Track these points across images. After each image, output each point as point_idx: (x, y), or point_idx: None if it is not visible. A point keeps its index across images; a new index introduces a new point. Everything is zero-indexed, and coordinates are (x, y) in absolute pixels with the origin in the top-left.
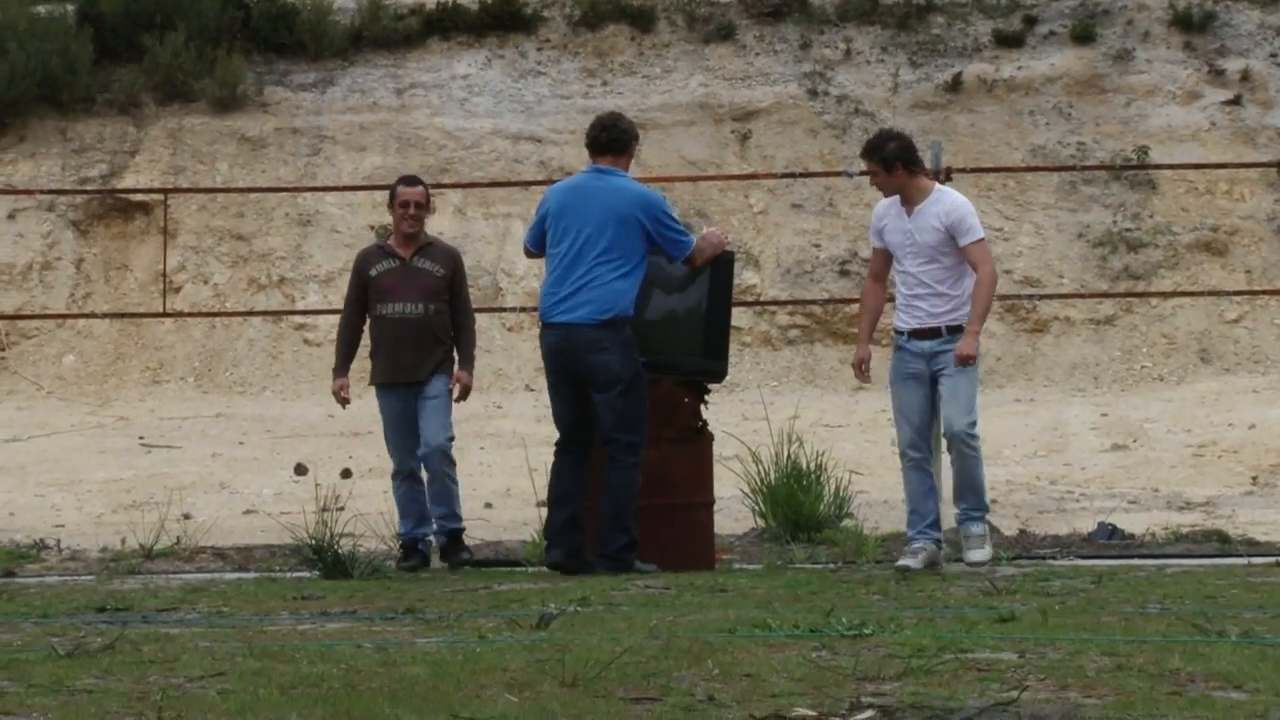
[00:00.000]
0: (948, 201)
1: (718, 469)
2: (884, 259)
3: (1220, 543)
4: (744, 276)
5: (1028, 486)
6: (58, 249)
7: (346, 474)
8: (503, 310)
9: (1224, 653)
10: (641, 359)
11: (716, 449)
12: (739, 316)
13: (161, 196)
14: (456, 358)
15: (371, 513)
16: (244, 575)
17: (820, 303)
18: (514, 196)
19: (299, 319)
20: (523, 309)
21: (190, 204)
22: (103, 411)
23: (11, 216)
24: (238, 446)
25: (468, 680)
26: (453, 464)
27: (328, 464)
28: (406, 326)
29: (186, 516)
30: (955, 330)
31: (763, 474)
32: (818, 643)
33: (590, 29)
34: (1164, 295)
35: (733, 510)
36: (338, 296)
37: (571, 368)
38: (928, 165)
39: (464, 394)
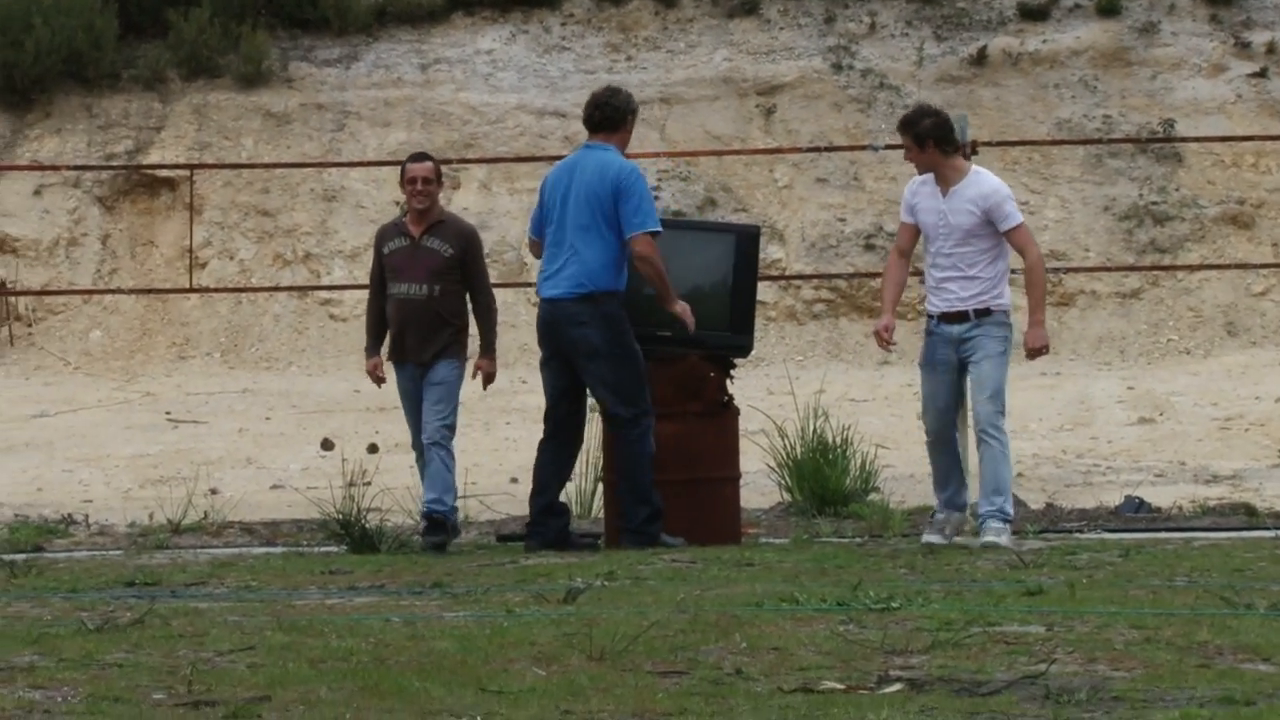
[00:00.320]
0: (985, 185)
1: (743, 443)
2: (912, 235)
3: (1248, 515)
4: (769, 251)
5: (1054, 460)
6: (84, 225)
7: (373, 449)
8: (528, 285)
9: (1252, 625)
10: (665, 333)
11: (742, 423)
12: (764, 291)
13: (187, 172)
14: (479, 343)
15: (398, 487)
16: (271, 550)
17: (845, 277)
18: (538, 172)
19: (324, 294)
20: None
21: (216, 180)
22: (129, 387)
23: (38, 193)
24: (264, 422)
25: (495, 654)
26: (449, 453)
27: (354, 439)
28: (411, 307)
29: (214, 491)
30: (983, 314)
31: (788, 448)
32: (845, 616)
33: (614, 4)
34: (1190, 268)
35: (759, 485)
36: (363, 272)
37: (556, 342)
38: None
39: (487, 381)
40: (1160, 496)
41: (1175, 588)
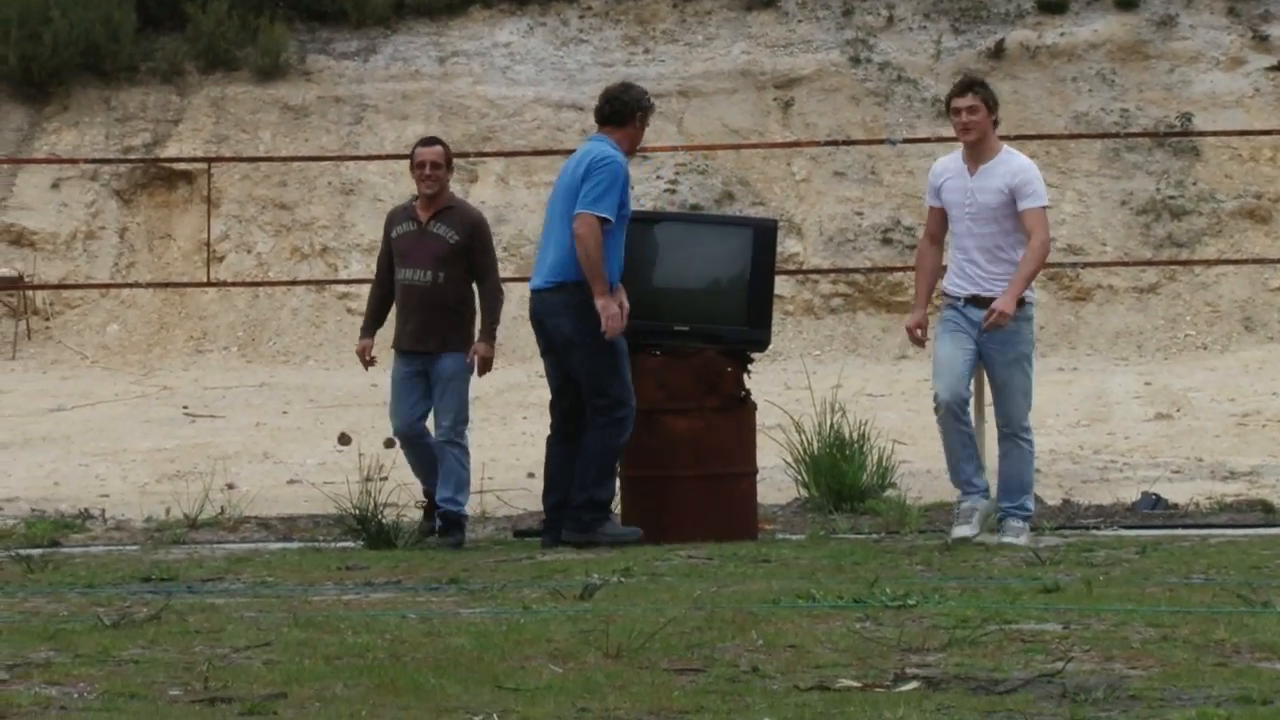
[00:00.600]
0: (1015, 163)
1: (760, 438)
2: (940, 219)
3: (1265, 512)
4: (786, 245)
5: (1071, 456)
6: (101, 218)
7: (390, 444)
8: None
9: (1269, 623)
10: (682, 327)
11: (759, 418)
12: (781, 285)
13: (205, 166)
14: (480, 328)
15: (415, 482)
16: (288, 545)
17: (863, 271)
18: (556, 165)
19: (342, 288)
20: None
21: (233, 173)
22: (146, 381)
23: (55, 186)
24: (281, 416)
25: (512, 651)
26: (464, 450)
27: (371, 434)
28: (415, 293)
29: (230, 486)
30: (1018, 304)
31: (805, 443)
32: (862, 614)
33: None
34: (1207, 263)
35: (775, 480)
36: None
37: (541, 333)
38: None
39: (483, 367)
40: (1177, 493)
41: (1192, 585)
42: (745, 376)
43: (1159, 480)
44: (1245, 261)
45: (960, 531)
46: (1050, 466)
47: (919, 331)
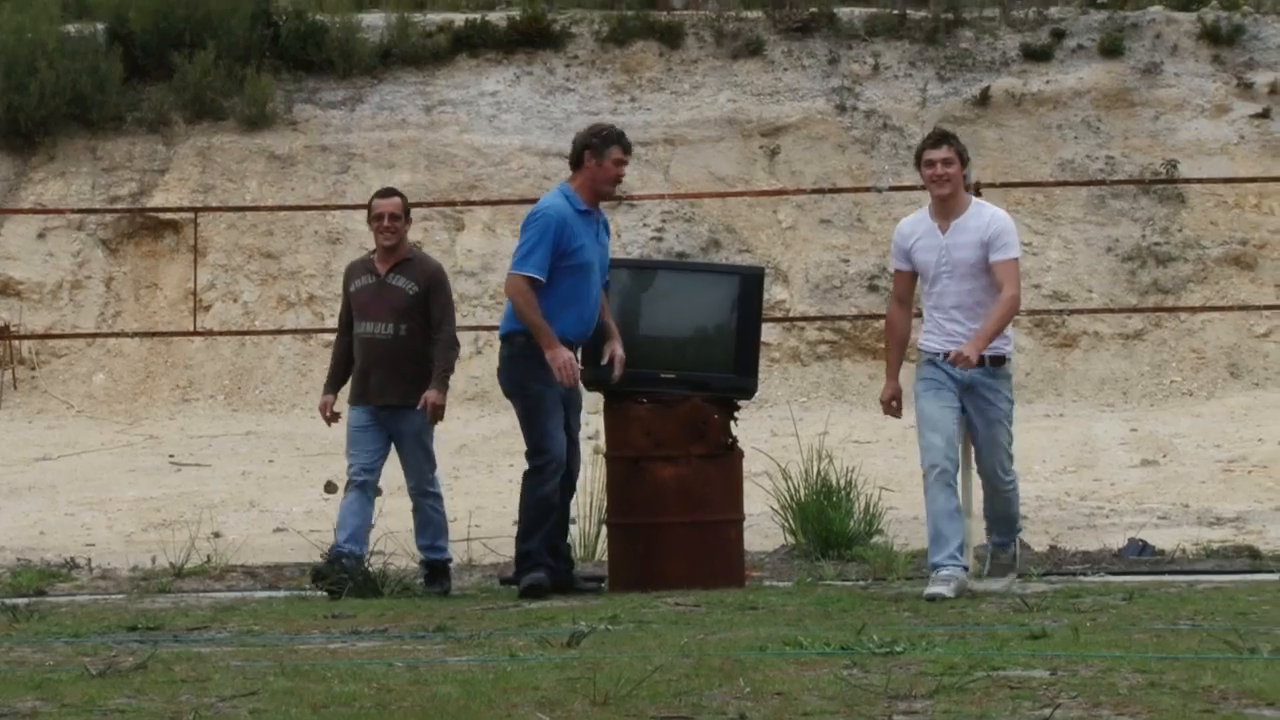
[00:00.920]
0: (988, 214)
1: (747, 485)
2: (910, 282)
3: (1251, 558)
4: (773, 292)
5: (1057, 502)
6: (88, 268)
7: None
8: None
9: (1257, 669)
10: (669, 375)
11: (746, 465)
12: (768, 332)
13: (191, 215)
14: (433, 375)
15: (401, 530)
16: (275, 594)
17: (849, 318)
18: None
19: (328, 337)
20: None
21: (220, 222)
22: (133, 430)
23: (42, 235)
24: (268, 464)
25: (499, 699)
26: (437, 497)
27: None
28: (375, 347)
29: (217, 535)
30: (997, 362)
31: (792, 490)
32: (849, 660)
33: (618, 45)
34: (1193, 310)
35: (762, 527)
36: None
37: None
38: None
39: (434, 415)
40: (1164, 539)
41: (1179, 631)
42: (732, 424)
43: (1145, 526)
44: (1231, 308)
45: (936, 589)
46: (1037, 513)
47: (894, 404)
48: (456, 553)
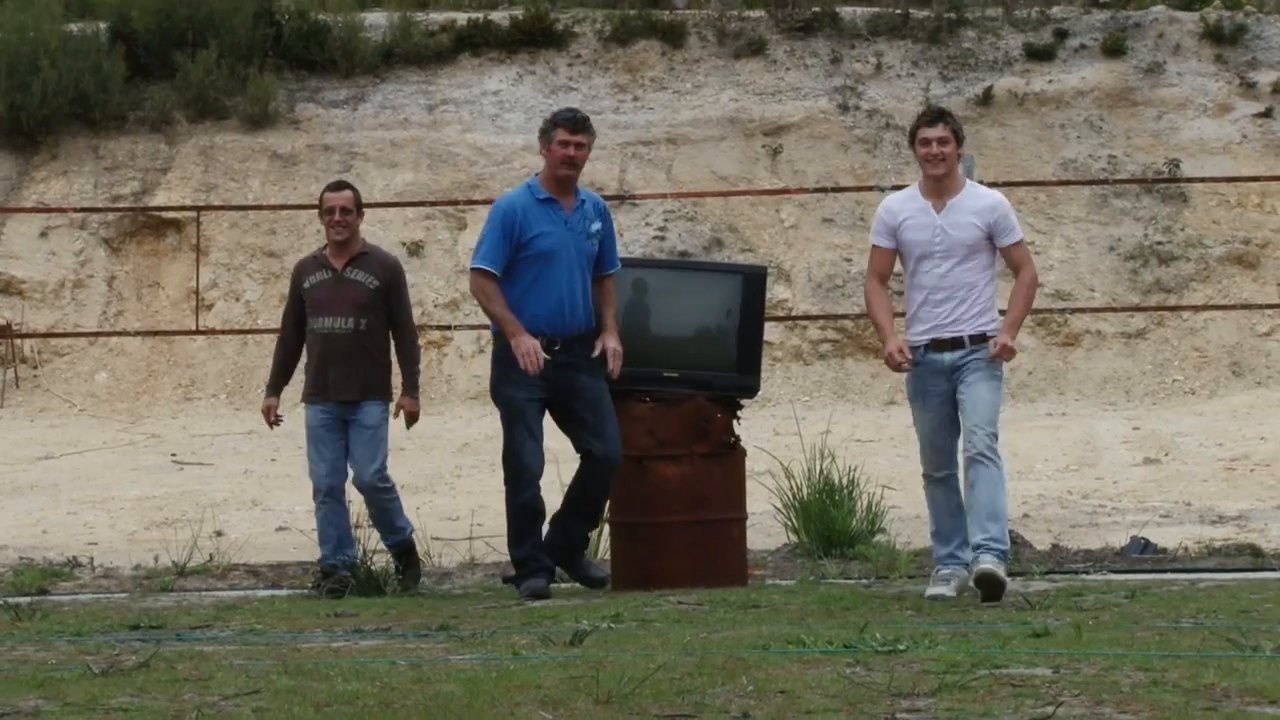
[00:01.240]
0: (989, 198)
1: (750, 484)
2: (890, 259)
3: (1253, 556)
4: (775, 291)
5: (1060, 501)
6: (90, 267)
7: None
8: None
9: (1259, 667)
10: (671, 374)
11: (748, 464)
12: (770, 331)
13: (193, 214)
14: (403, 381)
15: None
16: (277, 592)
17: (852, 317)
18: None
19: None
20: None
21: (222, 221)
22: (135, 429)
23: (44, 234)
24: (270, 463)
25: (502, 698)
26: (389, 489)
27: None
28: (336, 342)
29: (219, 533)
30: (979, 340)
31: (795, 489)
32: (852, 659)
33: (621, 45)
34: (1195, 309)
35: (765, 526)
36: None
37: None
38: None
39: (410, 421)
40: (1166, 537)
41: (1181, 629)
42: (735, 423)
43: (1148, 525)
44: (1233, 307)
45: (937, 590)
46: (1039, 511)
47: (899, 355)
48: (459, 552)
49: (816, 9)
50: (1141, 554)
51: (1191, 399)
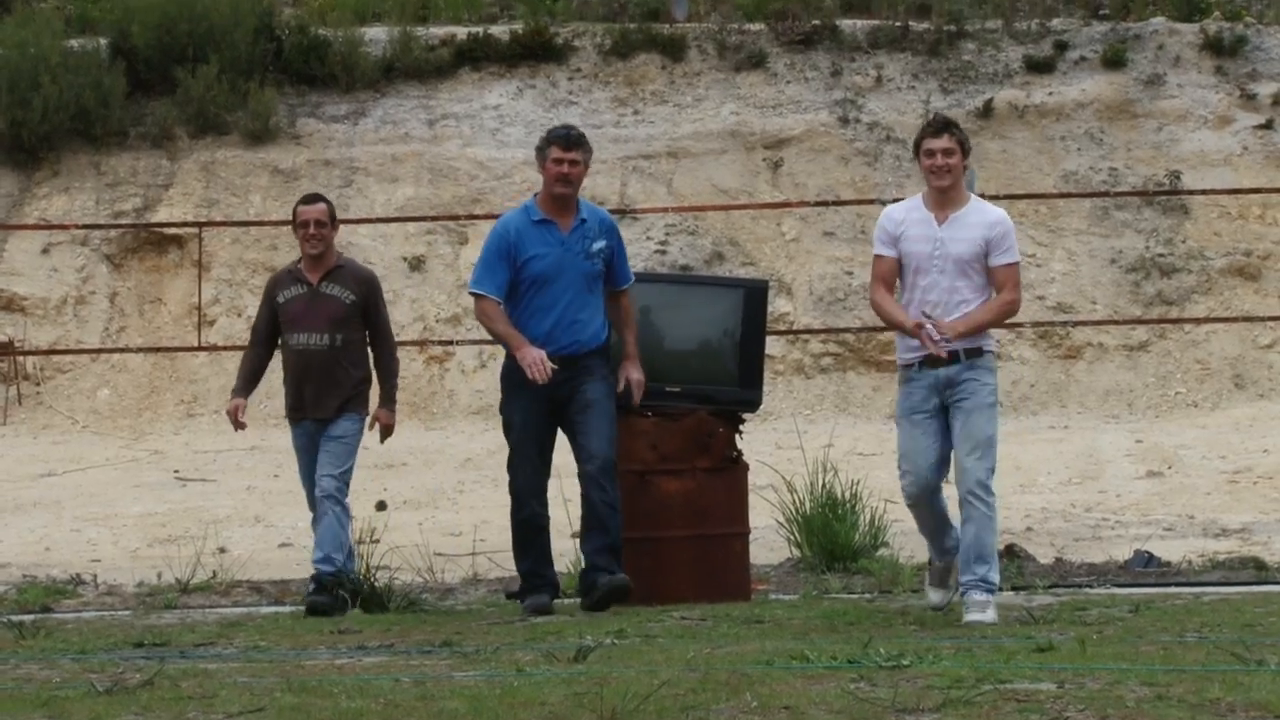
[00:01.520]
0: (993, 214)
1: (752, 499)
2: (894, 268)
3: (1257, 570)
4: (777, 305)
5: (1063, 514)
6: (91, 283)
7: (381, 506)
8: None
9: (1264, 681)
10: (674, 388)
11: (751, 478)
12: (772, 345)
13: (195, 229)
14: (378, 393)
15: (407, 545)
16: (280, 609)
17: (853, 331)
18: None
19: None
20: None
21: (223, 237)
22: (137, 445)
23: (45, 251)
24: (272, 479)
25: (506, 714)
26: (344, 508)
27: (362, 496)
28: (311, 358)
29: (222, 550)
30: (974, 354)
31: (797, 503)
32: (856, 674)
33: (621, 58)
34: (1197, 321)
35: (768, 540)
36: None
37: None
38: None
39: (385, 434)
40: (1169, 550)
41: (1186, 643)
42: (737, 437)
43: (1151, 538)
44: (1235, 319)
45: (934, 597)
46: (1042, 525)
47: (923, 330)
48: (462, 567)
49: (817, 22)
50: (1145, 568)
51: (1194, 411)
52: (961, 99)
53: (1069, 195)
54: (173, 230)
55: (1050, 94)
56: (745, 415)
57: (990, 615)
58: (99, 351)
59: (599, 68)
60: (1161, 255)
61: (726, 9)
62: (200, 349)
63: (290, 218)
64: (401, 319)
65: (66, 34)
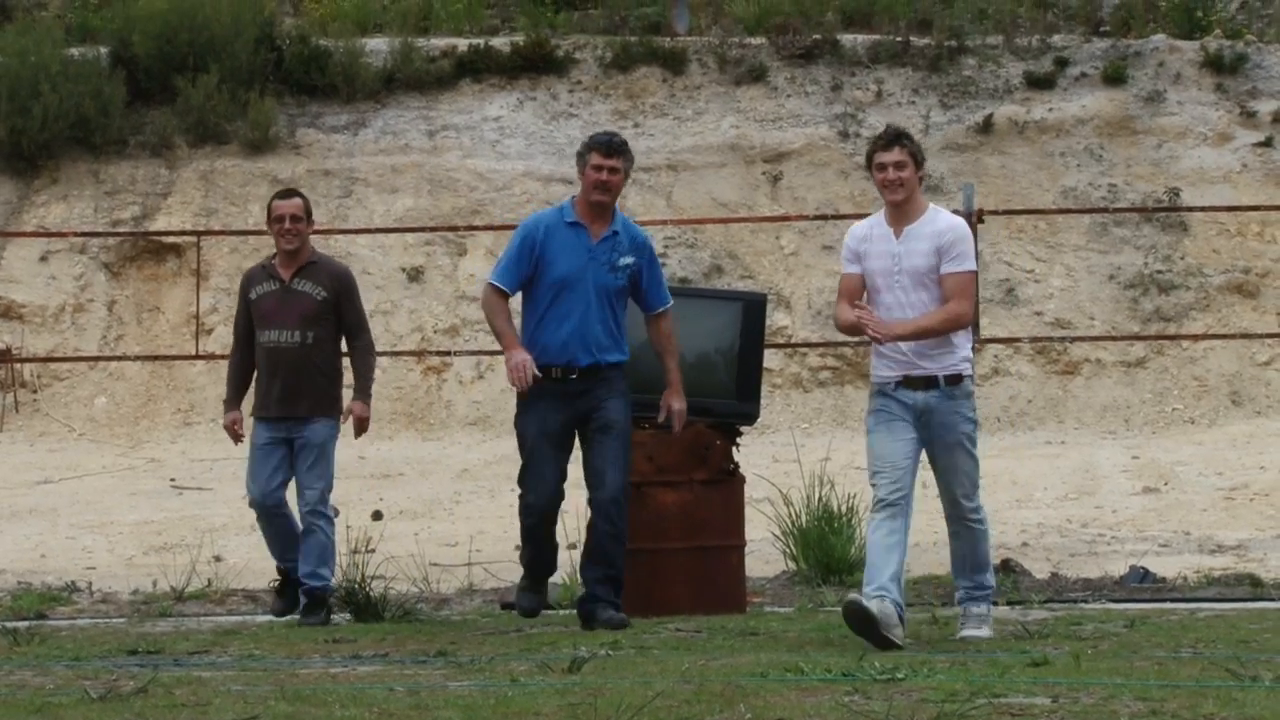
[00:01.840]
0: (945, 221)
1: (749, 511)
2: (860, 283)
3: (1253, 586)
4: (775, 318)
5: (1059, 529)
6: (90, 291)
7: (377, 516)
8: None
9: (1258, 698)
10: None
11: (747, 491)
12: (770, 358)
13: (194, 238)
14: (354, 386)
15: (402, 555)
16: (275, 618)
17: (851, 345)
18: None
19: None
20: None
21: (222, 246)
22: (134, 453)
23: (44, 259)
24: None
25: None
26: (329, 520)
27: (358, 506)
28: (281, 356)
29: (218, 559)
30: (955, 381)
31: (794, 516)
32: (850, 687)
33: (622, 71)
34: (1195, 338)
35: (764, 553)
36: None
37: None
38: (960, 207)
39: (359, 427)
40: (1165, 566)
41: (1181, 659)
42: (734, 449)
43: (1147, 554)
44: (1233, 336)
45: (855, 596)
46: (1038, 540)
47: (870, 320)
48: (457, 578)
49: (817, 36)
50: (1140, 583)
51: (1191, 428)
52: (961, 114)
53: (1068, 211)
54: (171, 239)
55: (1050, 110)
56: (743, 428)
57: (986, 631)
58: (96, 359)
59: (599, 80)
60: (1160, 272)
61: (727, 22)
62: (198, 358)
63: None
64: (399, 329)
65: (67, 42)
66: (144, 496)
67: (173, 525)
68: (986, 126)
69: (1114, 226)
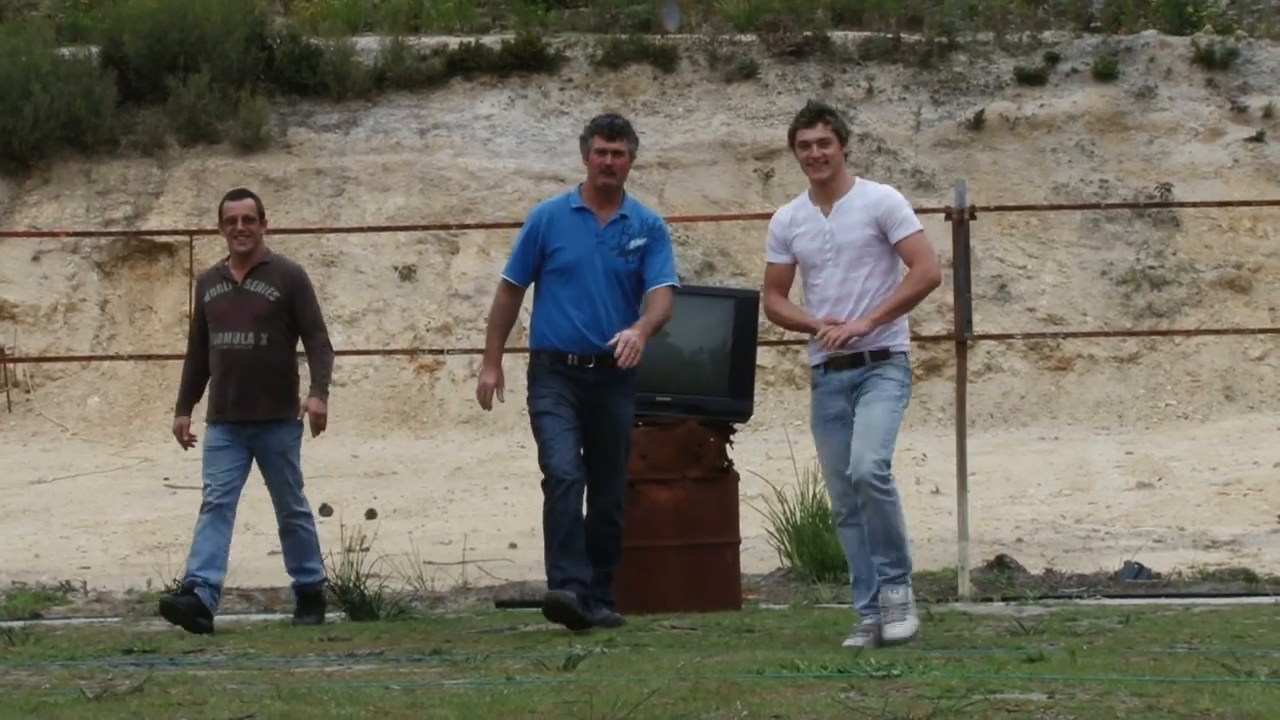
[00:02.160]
0: (875, 193)
1: (743, 508)
2: (788, 273)
3: (1247, 581)
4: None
5: (1053, 525)
6: (82, 291)
7: (371, 514)
8: (526, 350)
9: (1254, 692)
10: (664, 398)
11: (741, 488)
12: (763, 355)
13: (186, 238)
14: (310, 383)
15: (397, 553)
16: (270, 616)
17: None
18: None
19: None
20: None
21: (214, 245)
22: (127, 453)
23: (36, 259)
24: (261, 487)
25: None
26: (307, 516)
27: (352, 504)
28: (235, 358)
29: None
30: (880, 356)
31: (788, 513)
32: (846, 683)
33: (613, 68)
34: (1188, 333)
35: (758, 550)
36: (361, 337)
37: None
38: (951, 204)
39: (316, 425)
40: (1159, 562)
41: (1176, 655)
42: (727, 447)
43: (1141, 550)
44: (1225, 331)
45: (852, 641)
46: (1033, 536)
47: (827, 323)
48: (452, 576)
49: (808, 33)
50: (1135, 579)
51: (1184, 423)
52: (952, 110)
53: (1060, 207)
54: (163, 238)
55: (1041, 106)
56: (736, 425)
57: (908, 626)
58: (89, 359)
59: (590, 78)
60: (1152, 267)
61: (718, 20)
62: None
63: (218, 216)
64: (392, 328)
65: (58, 42)
66: (137, 496)
67: (166, 524)
68: (978, 123)
69: (1106, 222)
